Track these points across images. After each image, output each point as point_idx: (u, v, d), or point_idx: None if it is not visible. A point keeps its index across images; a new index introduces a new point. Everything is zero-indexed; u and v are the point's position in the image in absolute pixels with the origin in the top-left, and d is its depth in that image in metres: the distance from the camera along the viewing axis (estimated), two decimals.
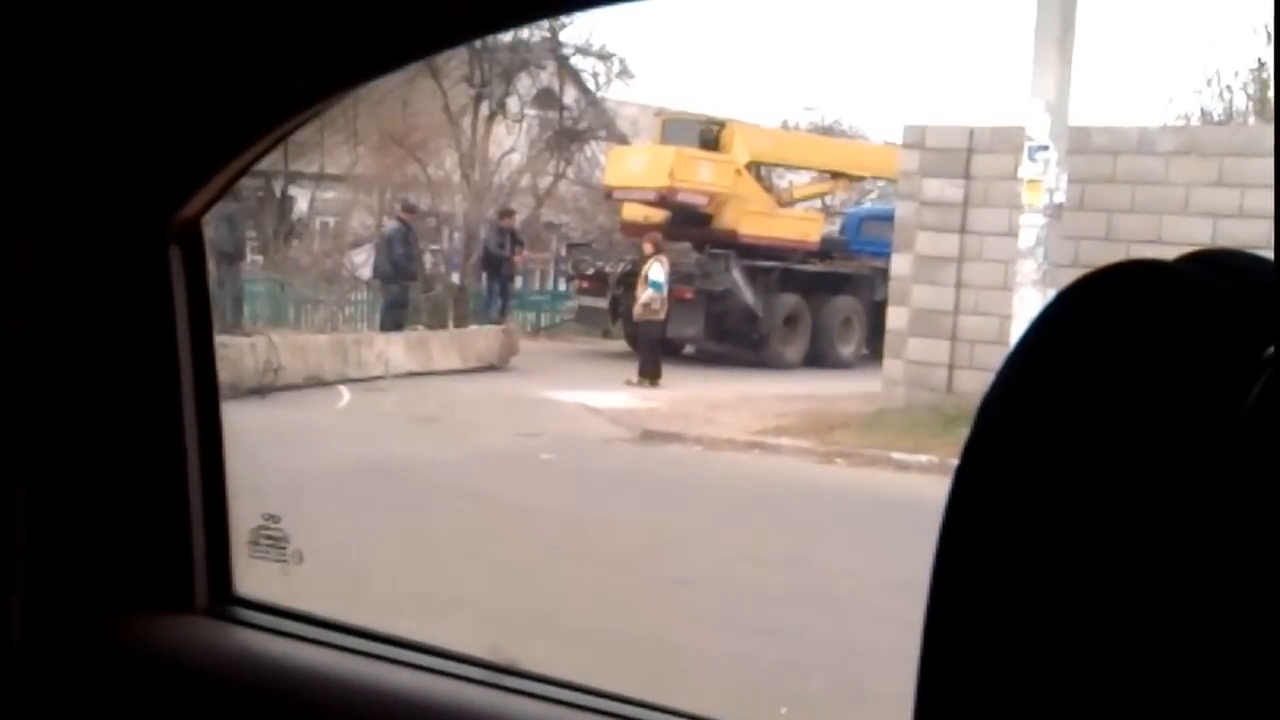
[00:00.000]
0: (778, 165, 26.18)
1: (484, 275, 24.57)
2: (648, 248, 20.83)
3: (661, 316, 20.19)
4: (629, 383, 18.97)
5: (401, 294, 21.68)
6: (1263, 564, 0.59)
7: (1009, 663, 0.67)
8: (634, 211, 24.04)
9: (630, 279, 22.41)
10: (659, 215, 23.63)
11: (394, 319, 21.23)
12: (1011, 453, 0.69)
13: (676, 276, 21.03)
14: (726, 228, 23.29)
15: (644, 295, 20.33)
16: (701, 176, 23.25)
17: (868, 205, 28.71)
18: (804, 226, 24.83)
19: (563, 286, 27.86)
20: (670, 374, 19.52)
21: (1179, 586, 0.61)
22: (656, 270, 20.36)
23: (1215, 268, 0.70)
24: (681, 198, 23.09)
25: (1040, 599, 0.66)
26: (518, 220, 24.99)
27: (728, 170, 23.57)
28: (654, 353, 19.74)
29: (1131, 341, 0.67)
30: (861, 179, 27.55)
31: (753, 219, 23.45)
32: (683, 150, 23.27)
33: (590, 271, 23.95)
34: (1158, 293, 0.68)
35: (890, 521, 7.50)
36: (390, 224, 23.16)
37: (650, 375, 19.25)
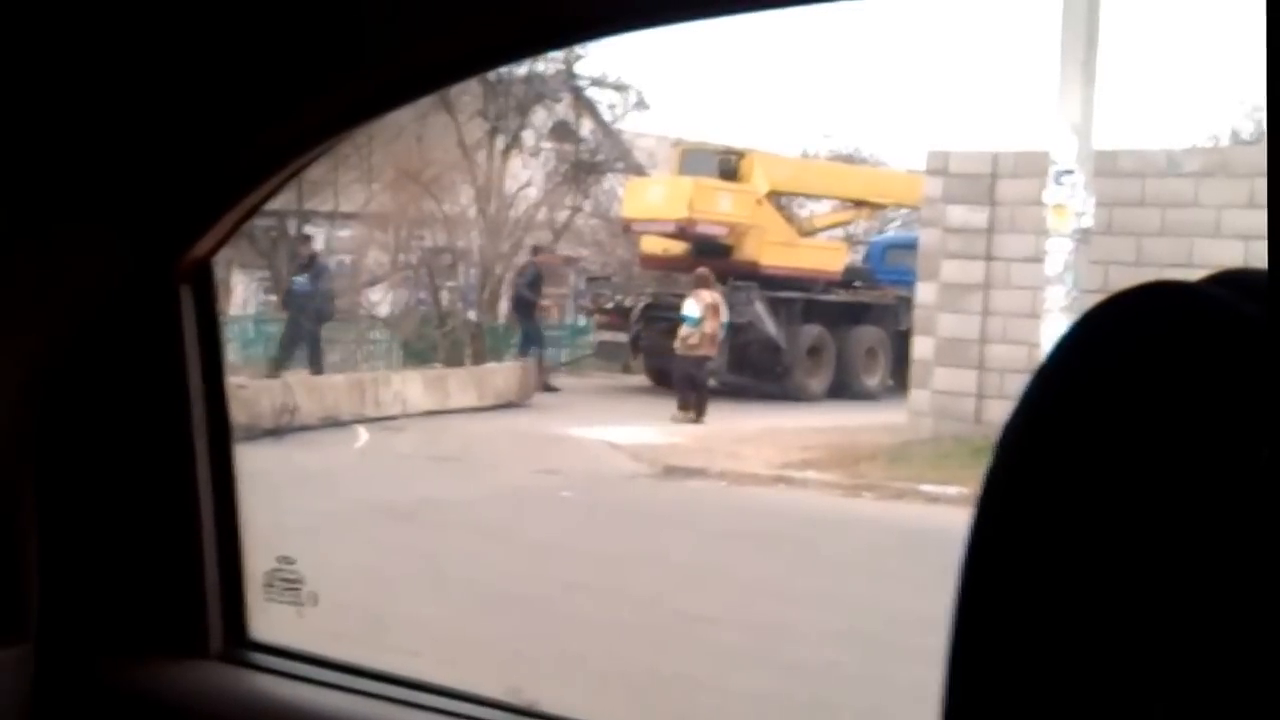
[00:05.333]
0: (799, 195, 26.08)
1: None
2: (696, 283, 20.53)
3: (701, 352, 19.88)
4: (674, 418, 18.73)
5: (296, 330, 20.76)
6: None
7: (1034, 693, 0.66)
8: (653, 244, 23.95)
9: (652, 312, 22.23)
10: (679, 247, 23.51)
11: (286, 355, 20.37)
12: (1033, 480, 0.68)
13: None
14: (748, 259, 23.13)
15: (681, 330, 20.08)
16: (721, 207, 23.14)
17: (891, 233, 28.56)
18: (826, 256, 24.70)
19: (581, 321, 27.75)
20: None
21: (1206, 611, 0.60)
22: (690, 305, 20.11)
23: (1240, 288, 0.68)
24: (701, 229, 22.97)
25: (1066, 626, 0.64)
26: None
27: (748, 200, 23.46)
28: (693, 388, 19.48)
29: (1155, 365, 0.66)
30: (884, 207, 27.38)
31: (774, 249, 23.31)
32: (701, 181, 23.19)
33: (610, 305, 23.76)
34: (1181, 315, 0.67)
35: (920, 555, 7.36)
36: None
37: (692, 410, 19.02)
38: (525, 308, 23.65)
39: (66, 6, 1.67)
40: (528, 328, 23.68)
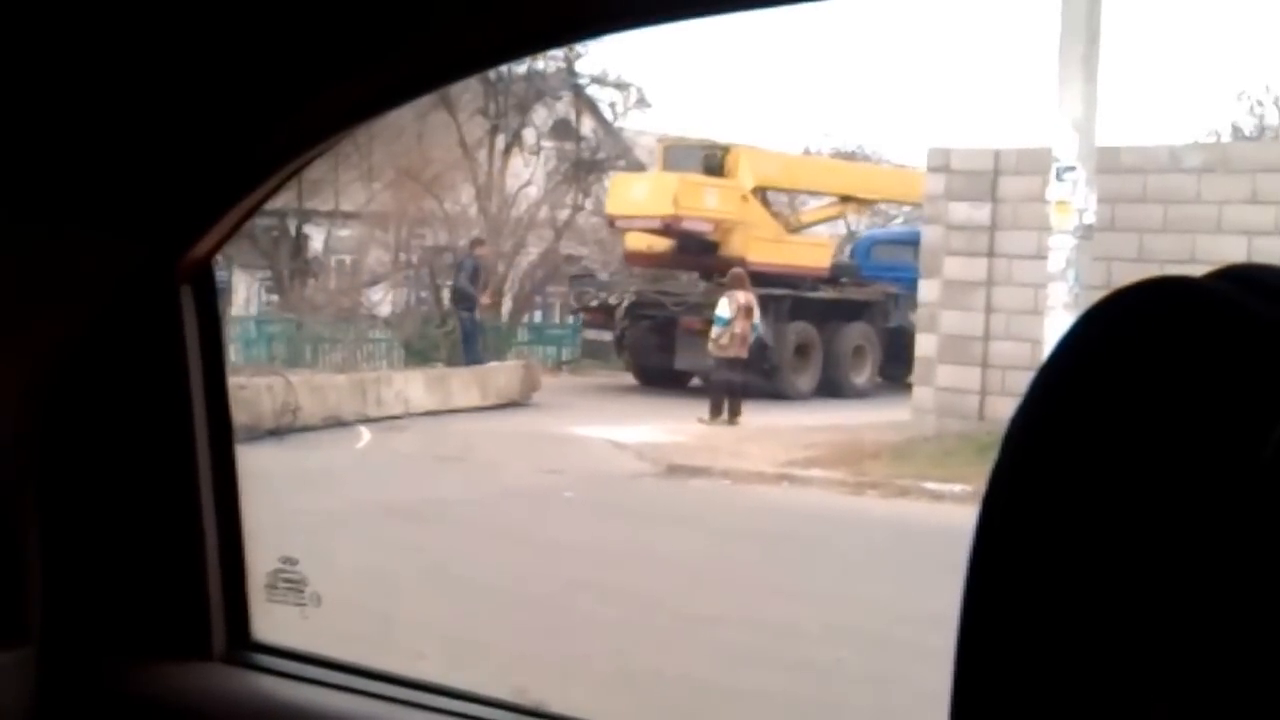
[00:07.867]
0: (786, 190, 25.82)
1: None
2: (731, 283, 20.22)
3: (732, 353, 19.49)
4: (700, 421, 18.55)
5: None
6: None
7: (1040, 690, 0.66)
8: (637, 240, 23.68)
9: (636, 310, 22.06)
10: (663, 244, 23.31)
11: None
12: (1039, 478, 0.68)
13: (684, 306, 20.80)
14: (734, 255, 22.75)
15: (712, 331, 19.87)
16: (706, 203, 22.79)
17: (879, 228, 28.43)
18: (814, 252, 24.34)
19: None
20: (684, 406, 19.25)
21: (1211, 609, 0.60)
22: (722, 305, 19.90)
23: (1244, 284, 0.68)
24: (686, 225, 22.64)
25: (1071, 623, 0.65)
26: None
27: (733, 196, 23.16)
28: (727, 392, 19.21)
29: (1159, 361, 0.66)
30: (875, 203, 27.17)
31: (761, 246, 22.89)
32: (687, 177, 22.91)
33: (594, 303, 23.52)
34: (1185, 311, 0.67)
35: (927, 553, 7.40)
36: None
37: (723, 415, 18.83)
38: (466, 303, 23.17)
39: (66, 8, 1.67)
40: (468, 326, 23.15)
